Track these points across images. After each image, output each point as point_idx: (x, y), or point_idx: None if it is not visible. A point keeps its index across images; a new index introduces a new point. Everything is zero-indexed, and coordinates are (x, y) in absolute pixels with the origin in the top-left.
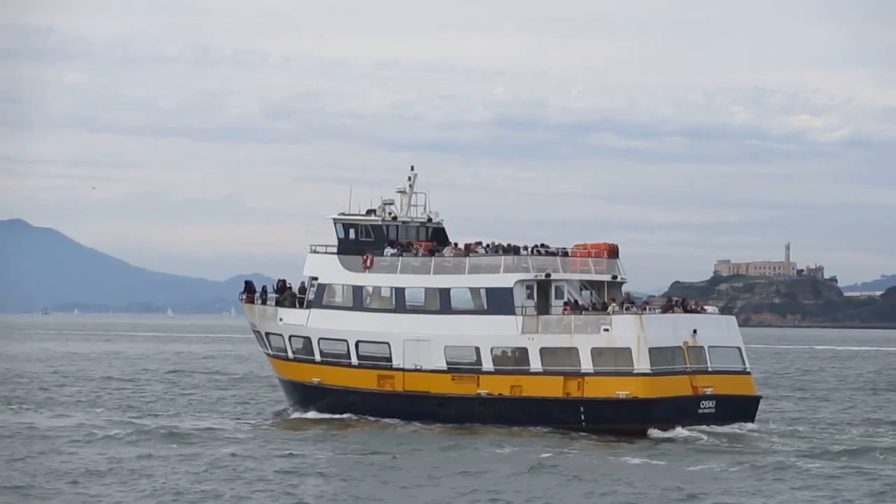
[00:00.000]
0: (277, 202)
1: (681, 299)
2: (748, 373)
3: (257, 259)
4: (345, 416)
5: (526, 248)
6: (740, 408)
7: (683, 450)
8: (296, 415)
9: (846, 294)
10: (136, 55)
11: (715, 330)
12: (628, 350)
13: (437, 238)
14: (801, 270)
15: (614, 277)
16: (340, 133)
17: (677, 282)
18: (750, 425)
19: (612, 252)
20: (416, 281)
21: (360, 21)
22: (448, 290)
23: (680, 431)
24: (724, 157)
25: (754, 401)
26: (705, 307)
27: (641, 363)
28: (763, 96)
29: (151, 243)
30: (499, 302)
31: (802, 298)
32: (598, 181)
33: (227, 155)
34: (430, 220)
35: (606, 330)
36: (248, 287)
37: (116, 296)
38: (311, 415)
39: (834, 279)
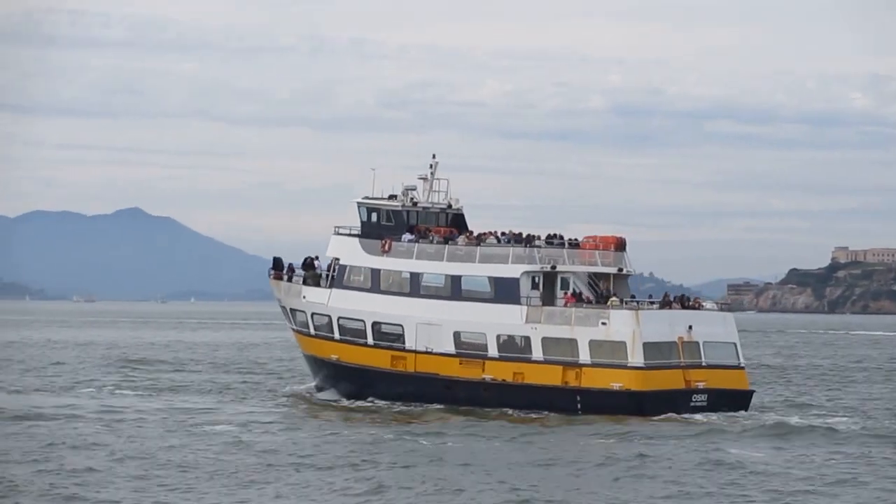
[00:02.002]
0: (391, 191)
1: (680, 295)
2: (742, 368)
3: None
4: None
5: (539, 238)
6: (732, 401)
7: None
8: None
9: None
10: (251, 45)
11: (711, 326)
12: (624, 344)
13: (456, 224)
14: None
15: (620, 270)
16: (455, 122)
17: (794, 269)
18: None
19: (619, 245)
20: (431, 267)
21: (476, 10)
22: (459, 277)
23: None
24: (841, 144)
25: (747, 395)
26: (703, 304)
27: (635, 357)
28: (881, 82)
29: (268, 231)
30: (505, 291)
31: None
32: (714, 168)
33: (341, 144)
34: (450, 206)
35: (604, 323)
36: (277, 264)
37: (233, 284)
38: (328, 394)
39: None
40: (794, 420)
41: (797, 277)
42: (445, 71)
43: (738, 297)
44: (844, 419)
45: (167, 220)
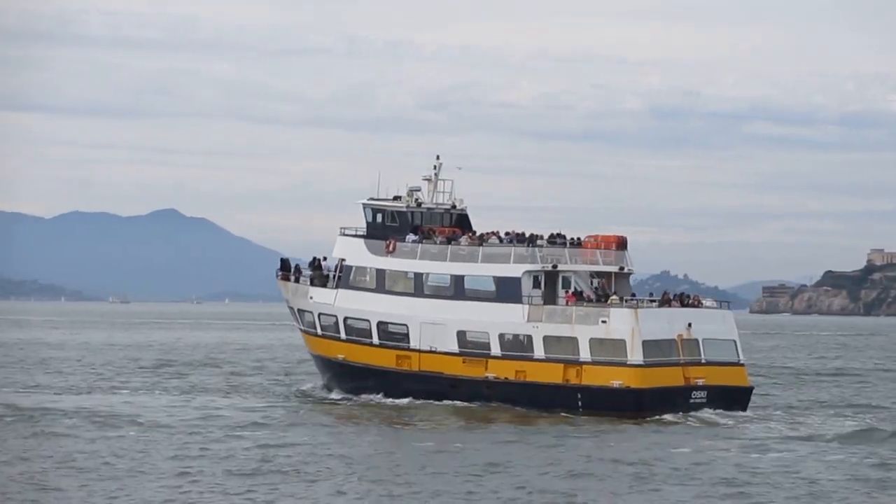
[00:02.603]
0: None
1: (679, 293)
2: (742, 364)
3: None
4: (371, 397)
5: (542, 238)
6: (732, 398)
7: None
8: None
9: None
10: (288, 46)
11: (710, 323)
12: (623, 342)
13: (460, 224)
14: None
15: (621, 269)
16: (490, 123)
17: (829, 271)
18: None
19: (621, 244)
20: (434, 267)
21: (512, 11)
22: (462, 276)
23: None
24: (879, 146)
25: (746, 391)
26: (703, 301)
27: (635, 354)
28: None
29: (303, 232)
30: (507, 290)
31: None
32: (750, 170)
33: (378, 146)
34: (454, 206)
35: (604, 321)
36: (284, 265)
37: (267, 285)
38: (334, 394)
39: None
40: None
41: (832, 280)
42: (481, 72)
43: (773, 299)
44: None
45: (202, 221)
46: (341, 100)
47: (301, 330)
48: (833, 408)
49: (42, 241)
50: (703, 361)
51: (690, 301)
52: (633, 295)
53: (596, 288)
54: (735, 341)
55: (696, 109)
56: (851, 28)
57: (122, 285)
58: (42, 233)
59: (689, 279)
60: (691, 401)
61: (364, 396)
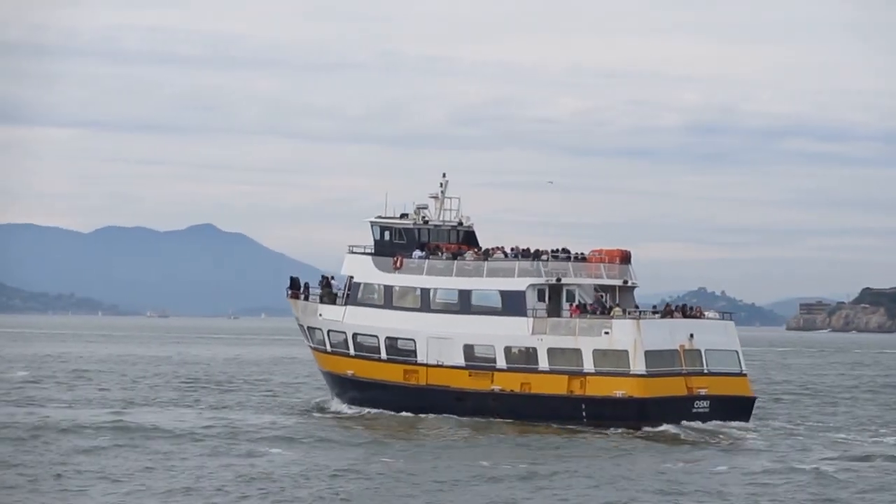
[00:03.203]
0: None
1: (681, 305)
2: (744, 375)
3: None
4: (376, 411)
5: (546, 252)
6: (735, 408)
7: None
8: (334, 407)
9: None
10: (325, 62)
11: (712, 334)
12: (626, 352)
13: (467, 241)
14: None
15: (625, 282)
16: (528, 139)
17: (867, 288)
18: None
19: (625, 258)
20: (440, 282)
21: (549, 27)
22: (468, 291)
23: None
24: None
25: (749, 401)
26: (705, 313)
27: (637, 365)
28: None
29: (339, 247)
30: (512, 304)
31: None
32: (787, 186)
33: (414, 161)
34: (460, 223)
35: (607, 333)
36: (294, 283)
37: None
38: (345, 408)
39: None
40: None
41: (870, 297)
42: (518, 88)
43: (810, 316)
44: None
45: (239, 237)
46: (377, 115)
47: (311, 347)
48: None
49: (79, 256)
50: (705, 371)
51: (692, 313)
52: (637, 307)
53: (600, 299)
54: (737, 352)
55: (732, 125)
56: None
57: (159, 300)
58: (80, 247)
59: (727, 295)
60: (694, 410)
61: (373, 411)
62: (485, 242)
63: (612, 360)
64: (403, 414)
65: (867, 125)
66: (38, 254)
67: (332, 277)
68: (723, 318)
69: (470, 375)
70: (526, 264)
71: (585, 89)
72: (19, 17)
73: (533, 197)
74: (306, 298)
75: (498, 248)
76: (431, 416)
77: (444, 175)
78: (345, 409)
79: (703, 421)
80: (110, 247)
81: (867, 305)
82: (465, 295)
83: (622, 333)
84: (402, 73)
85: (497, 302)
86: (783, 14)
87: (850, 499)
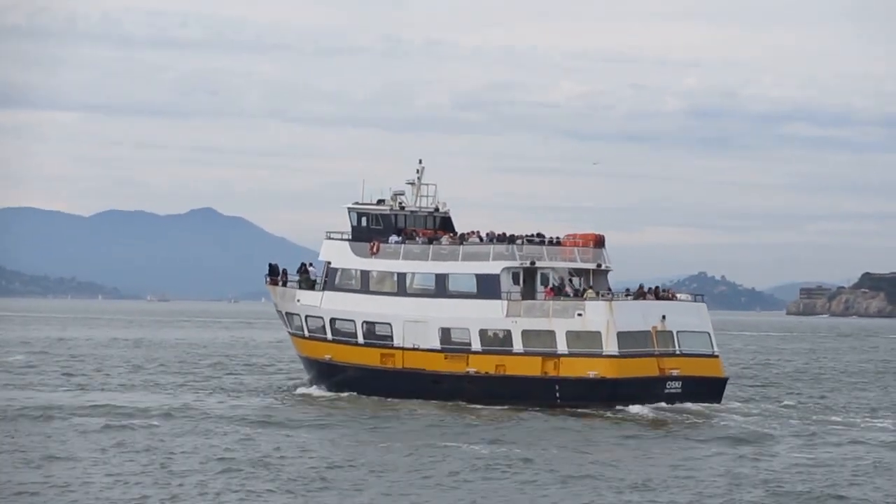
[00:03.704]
0: (467, 192)
1: (654, 287)
2: (716, 356)
3: None
4: (352, 394)
5: (521, 237)
6: (706, 389)
7: None
8: (301, 390)
9: None
10: (328, 46)
11: (684, 316)
12: (599, 333)
13: (443, 227)
14: None
15: (599, 266)
16: (530, 124)
17: (868, 273)
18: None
19: (598, 242)
20: (417, 266)
21: (550, 11)
22: (443, 275)
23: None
24: None
25: (721, 382)
26: (677, 295)
27: (610, 346)
28: None
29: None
30: (487, 287)
31: None
32: (788, 171)
33: (417, 145)
34: (437, 209)
35: (580, 314)
36: (272, 270)
37: None
38: (322, 392)
39: None
40: None
41: (870, 282)
42: (520, 72)
43: (810, 300)
44: None
45: (239, 220)
46: (380, 99)
47: (289, 333)
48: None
49: (80, 240)
50: (677, 353)
51: (665, 294)
52: (609, 290)
53: (570, 282)
54: (709, 333)
55: (734, 110)
56: (889, 30)
57: (160, 284)
58: (80, 231)
59: (727, 280)
60: (666, 391)
61: (350, 394)
62: (489, 226)
63: (585, 342)
64: (377, 398)
65: (868, 110)
66: (39, 237)
67: (311, 264)
68: (695, 300)
69: (446, 358)
70: (501, 248)
71: (587, 74)
72: (21, 2)
73: (534, 181)
74: (284, 285)
75: (473, 232)
76: (408, 401)
77: (420, 161)
78: (322, 392)
79: (675, 402)
80: (111, 230)
81: (867, 290)
82: (441, 279)
83: (595, 315)
84: (404, 58)
85: (472, 286)
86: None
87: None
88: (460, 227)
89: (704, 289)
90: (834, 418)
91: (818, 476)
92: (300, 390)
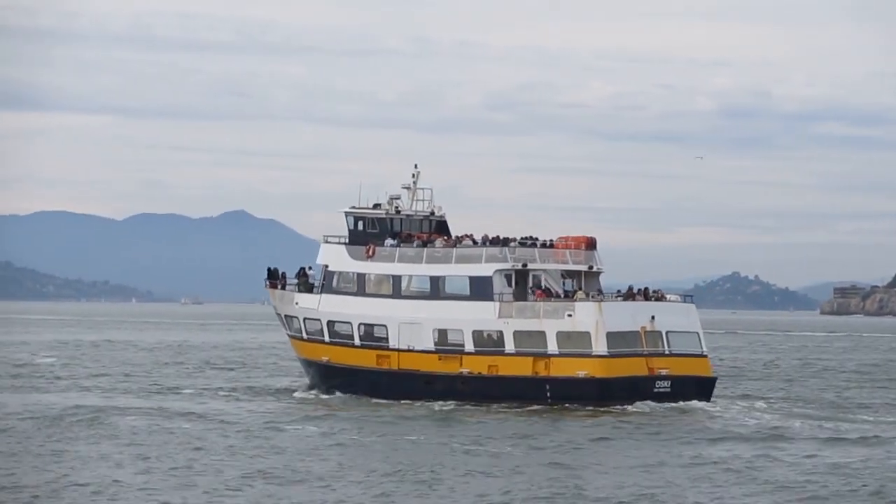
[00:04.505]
0: (496, 193)
1: (643, 288)
2: (705, 356)
3: None
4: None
5: (514, 240)
6: (696, 388)
7: None
8: (298, 394)
9: None
10: (357, 47)
11: (673, 316)
12: (588, 334)
13: (439, 230)
14: None
15: (590, 267)
16: (560, 124)
17: None
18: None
19: (590, 244)
20: (411, 269)
21: (581, 12)
22: (437, 277)
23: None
24: None
25: (710, 381)
26: (667, 296)
27: (599, 346)
28: None
29: None
30: (480, 289)
31: None
32: (821, 170)
33: (446, 146)
34: (432, 213)
35: (570, 315)
36: (271, 274)
37: None
38: (320, 393)
39: None
40: None
41: None
42: (550, 72)
43: (844, 300)
44: None
45: (272, 223)
46: (410, 100)
47: (288, 335)
48: None
49: (113, 243)
50: (666, 352)
51: (654, 295)
52: (600, 291)
53: (559, 286)
54: (698, 333)
55: (766, 110)
56: None
57: (192, 287)
58: (113, 235)
59: (760, 280)
60: (655, 390)
61: (349, 396)
62: (518, 229)
63: (575, 342)
64: (375, 398)
65: None
66: (72, 241)
67: (310, 268)
68: (684, 301)
69: (440, 359)
70: (493, 251)
71: (617, 74)
72: (52, 4)
73: (564, 181)
74: (283, 288)
75: (467, 235)
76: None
77: (415, 166)
78: (321, 395)
79: (664, 401)
80: (144, 234)
81: None
82: (435, 281)
83: (584, 315)
84: (433, 59)
85: (466, 288)
86: None
87: None
88: (491, 230)
89: (738, 288)
90: None
91: None
92: (297, 394)
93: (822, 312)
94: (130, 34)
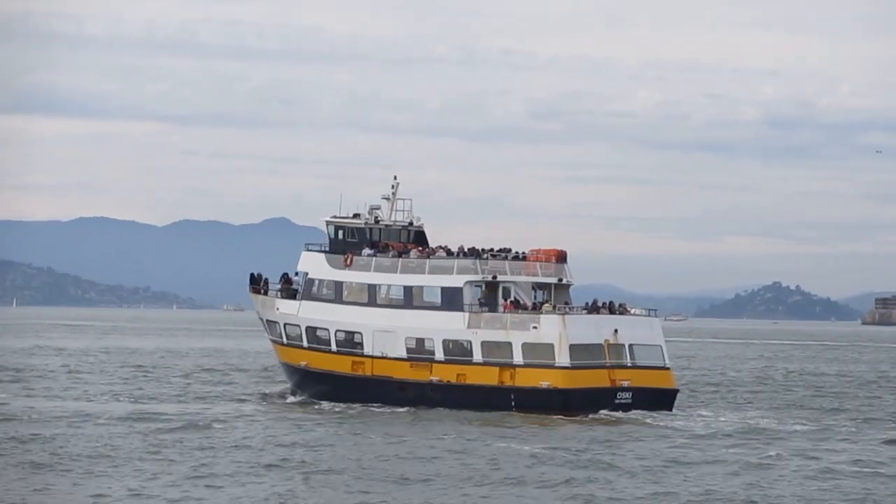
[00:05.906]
0: (541, 202)
1: (608, 302)
2: (667, 368)
3: None
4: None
5: (485, 251)
6: (657, 399)
7: None
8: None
9: None
10: (403, 56)
11: (637, 329)
12: (552, 345)
13: (417, 240)
14: None
15: (560, 280)
16: (606, 133)
17: None
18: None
19: (561, 257)
20: (386, 279)
21: (626, 20)
22: (411, 287)
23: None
24: None
25: (671, 393)
26: (630, 309)
27: (562, 357)
28: None
29: None
30: (451, 299)
31: None
32: (864, 180)
33: (492, 155)
34: (411, 223)
35: (535, 327)
36: (254, 279)
37: None
38: (297, 397)
39: None
40: None
41: None
42: (596, 81)
43: (885, 310)
44: None
45: (313, 230)
46: (455, 109)
47: (270, 340)
48: None
49: (154, 250)
50: (628, 365)
51: (618, 309)
52: (566, 303)
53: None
54: (661, 346)
55: (810, 120)
56: None
57: (234, 294)
58: (154, 241)
59: (801, 290)
60: (616, 401)
61: (324, 401)
62: (559, 240)
63: (539, 353)
64: (348, 403)
65: None
66: (114, 247)
67: (297, 273)
68: (648, 315)
69: (411, 367)
70: (465, 262)
71: (663, 83)
72: (99, 12)
73: (610, 190)
74: (265, 293)
75: (441, 246)
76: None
77: (395, 178)
78: (297, 398)
79: (625, 411)
80: (185, 240)
81: None
82: (409, 291)
83: (549, 328)
84: (479, 67)
85: (438, 298)
86: (862, 9)
87: None
88: (537, 243)
89: (779, 298)
90: None
91: None
92: (289, 399)
93: (864, 323)
94: (177, 41)
